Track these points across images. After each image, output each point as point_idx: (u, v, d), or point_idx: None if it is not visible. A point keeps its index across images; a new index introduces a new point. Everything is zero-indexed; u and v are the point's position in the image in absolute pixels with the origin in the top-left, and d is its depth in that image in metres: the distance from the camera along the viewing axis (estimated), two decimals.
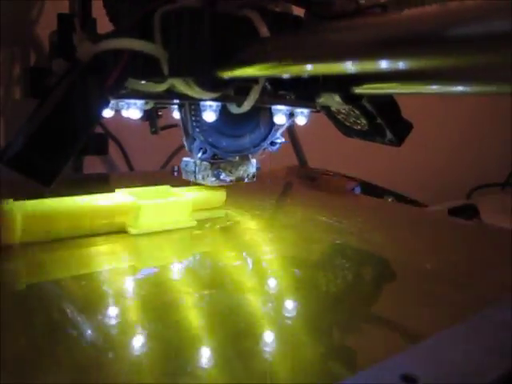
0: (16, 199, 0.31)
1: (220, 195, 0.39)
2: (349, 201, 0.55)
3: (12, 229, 0.29)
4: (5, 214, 0.29)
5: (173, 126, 0.58)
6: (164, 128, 0.47)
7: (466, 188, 1.14)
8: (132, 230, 0.33)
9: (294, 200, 0.54)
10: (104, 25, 0.37)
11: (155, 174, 0.64)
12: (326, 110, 0.41)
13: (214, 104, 0.31)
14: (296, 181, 0.63)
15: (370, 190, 0.68)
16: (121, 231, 0.33)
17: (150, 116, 0.42)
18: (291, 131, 0.79)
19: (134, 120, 0.35)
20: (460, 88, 0.29)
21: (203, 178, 0.37)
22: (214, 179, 0.36)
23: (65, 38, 0.41)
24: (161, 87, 0.28)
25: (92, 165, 0.66)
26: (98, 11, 0.43)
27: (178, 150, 0.73)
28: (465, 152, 1.20)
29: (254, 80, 0.29)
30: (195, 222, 0.36)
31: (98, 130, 0.65)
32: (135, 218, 0.33)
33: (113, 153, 0.69)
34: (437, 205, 0.85)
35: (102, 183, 0.55)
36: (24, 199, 0.31)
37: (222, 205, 0.40)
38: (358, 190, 0.62)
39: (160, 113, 0.43)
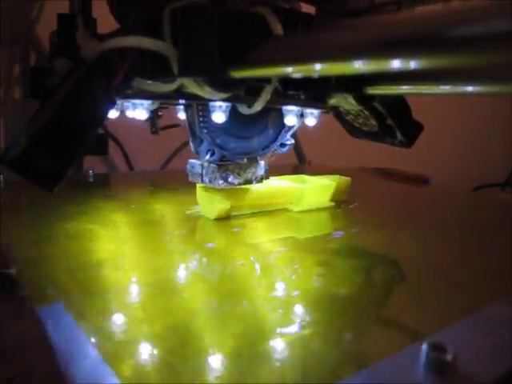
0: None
1: (348, 182, 0.48)
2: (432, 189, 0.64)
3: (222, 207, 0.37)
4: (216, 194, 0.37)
5: (173, 126, 0.58)
6: (164, 128, 0.47)
7: (465, 188, 1.15)
8: (294, 208, 0.42)
9: (395, 190, 0.62)
10: (104, 25, 0.36)
11: (160, 174, 0.65)
12: (335, 110, 0.40)
13: (224, 104, 0.30)
14: (374, 178, 0.69)
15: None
16: (283, 209, 0.42)
17: (150, 116, 0.41)
18: None
19: (134, 120, 0.34)
20: (475, 88, 0.28)
21: (210, 181, 0.36)
22: (221, 182, 0.35)
23: (67, 36, 0.40)
24: (169, 87, 0.27)
25: (92, 165, 0.66)
26: (98, 11, 0.42)
27: (178, 150, 0.73)
28: (465, 152, 1.20)
29: (266, 80, 0.28)
30: (333, 203, 0.45)
31: (98, 130, 0.64)
32: (298, 199, 0.42)
33: (113, 153, 0.70)
34: None
35: (102, 183, 0.55)
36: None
37: (347, 191, 0.48)
38: (431, 182, 0.67)
39: (160, 113, 0.42)
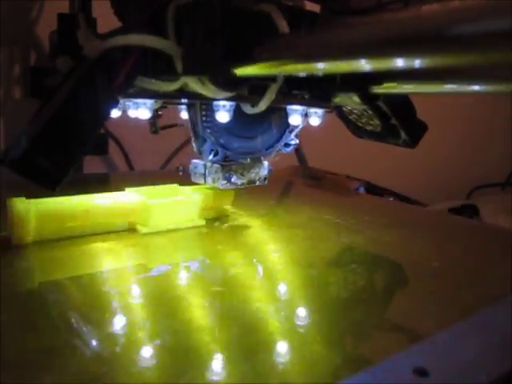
0: (27, 197, 0.30)
1: (228, 194, 0.39)
2: (355, 200, 0.56)
3: (24, 228, 0.29)
4: (17, 213, 0.29)
5: (173, 125, 0.58)
6: (164, 128, 0.47)
7: (466, 188, 1.15)
8: (142, 229, 0.33)
9: (300, 199, 0.53)
10: (104, 25, 0.36)
11: (161, 174, 0.64)
12: (338, 110, 0.39)
13: (228, 104, 0.30)
14: (299, 181, 0.63)
15: (373, 190, 0.68)
16: (131, 229, 0.34)
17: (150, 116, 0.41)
18: None
19: (134, 119, 0.34)
20: (480, 87, 0.28)
21: (213, 181, 0.35)
22: (225, 182, 0.35)
23: (68, 36, 0.40)
24: (173, 86, 0.27)
25: (92, 165, 0.66)
26: (98, 11, 0.42)
27: (178, 150, 0.72)
28: (465, 152, 1.20)
29: (271, 78, 0.27)
30: (203, 221, 0.36)
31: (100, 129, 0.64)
32: (145, 217, 0.33)
33: (113, 153, 0.69)
34: (437, 205, 0.85)
35: (102, 183, 0.54)
36: (34, 197, 0.31)
37: (230, 203, 0.40)
38: (361, 190, 0.63)
39: (160, 112, 0.42)
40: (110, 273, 0.27)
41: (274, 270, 0.29)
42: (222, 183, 0.35)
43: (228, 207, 0.40)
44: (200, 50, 0.25)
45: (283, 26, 0.25)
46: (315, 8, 0.32)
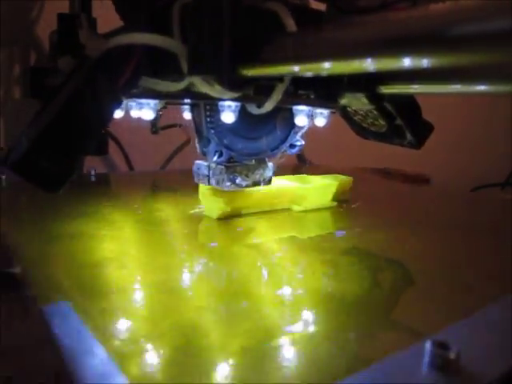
0: None
1: (349, 181, 0.47)
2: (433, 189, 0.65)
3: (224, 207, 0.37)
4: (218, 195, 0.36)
5: (173, 125, 0.57)
6: (164, 128, 0.46)
7: (465, 188, 1.14)
8: (297, 208, 0.42)
9: (396, 190, 0.62)
10: (104, 25, 0.35)
11: (160, 174, 0.64)
12: (343, 110, 0.39)
13: (234, 104, 0.29)
14: (374, 178, 0.70)
15: None
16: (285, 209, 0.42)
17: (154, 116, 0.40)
18: None
19: (134, 120, 0.34)
20: (486, 87, 0.28)
21: (218, 183, 0.35)
22: (229, 183, 0.34)
23: (70, 35, 0.39)
24: (178, 86, 0.26)
25: (92, 165, 0.66)
26: (99, 11, 0.42)
27: (178, 150, 0.72)
28: (465, 152, 1.20)
29: (278, 78, 0.27)
30: (335, 203, 0.44)
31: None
32: (300, 199, 0.42)
33: (113, 153, 0.69)
34: None
35: (102, 183, 0.54)
36: None
37: (348, 190, 0.48)
38: (431, 182, 0.68)
39: (160, 112, 0.42)
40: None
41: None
42: (226, 184, 0.34)
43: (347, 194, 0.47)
44: (206, 49, 0.24)
45: (291, 24, 0.24)
46: (320, 6, 0.31)
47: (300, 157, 0.82)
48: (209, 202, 0.38)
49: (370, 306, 0.23)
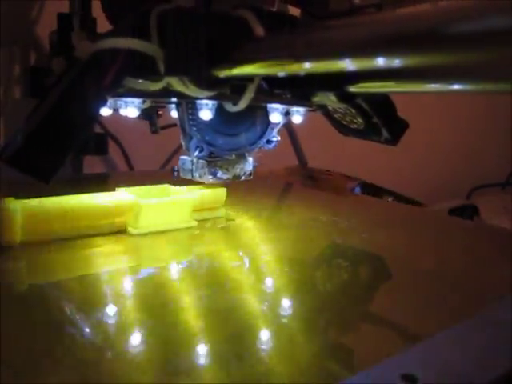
0: (17, 197, 0.31)
1: (220, 194, 0.39)
2: (349, 201, 0.56)
3: (12, 228, 0.29)
4: (5, 213, 0.29)
5: (172, 125, 0.58)
6: (164, 128, 0.47)
7: (466, 188, 1.14)
8: (132, 230, 0.33)
9: (295, 200, 0.54)
10: (104, 25, 0.37)
11: (155, 174, 0.64)
12: (323, 109, 0.41)
13: (210, 102, 0.32)
14: (297, 180, 0.64)
15: (369, 190, 0.69)
16: (121, 231, 0.33)
17: (150, 115, 0.42)
18: (291, 131, 0.80)
19: (134, 119, 0.36)
20: (455, 86, 0.29)
21: (200, 176, 0.37)
22: (210, 177, 0.37)
23: (64, 36, 0.41)
24: (157, 86, 0.29)
25: (92, 165, 0.66)
26: (98, 11, 0.43)
27: (178, 150, 0.73)
28: (465, 152, 1.20)
29: (249, 79, 0.29)
30: (195, 222, 0.36)
31: (98, 129, 0.65)
32: (135, 218, 0.33)
33: (113, 153, 0.69)
34: (437, 205, 0.85)
35: (101, 183, 0.55)
36: (24, 198, 0.31)
37: (222, 204, 0.40)
38: (357, 190, 0.63)
39: (160, 112, 0.43)
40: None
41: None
42: (207, 178, 0.37)
43: (221, 209, 0.39)
44: (182, 52, 0.27)
45: (259, 30, 0.26)
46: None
47: (300, 158, 0.83)
48: None
49: None
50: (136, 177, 0.62)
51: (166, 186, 0.38)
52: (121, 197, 0.34)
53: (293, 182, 0.64)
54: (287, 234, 0.38)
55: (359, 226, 0.41)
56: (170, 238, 0.34)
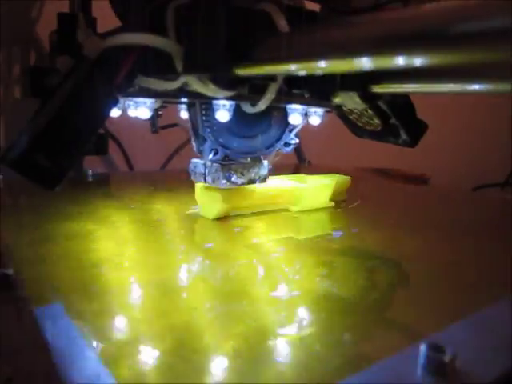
0: None
1: (347, 181, 0.47)
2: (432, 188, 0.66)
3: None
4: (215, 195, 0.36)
5: (173, 125, 0.58)
6: (164, 128, 0.46)
7: (465, 188, 1.14)
8: (294, 208, 0.42)
9: (395, 190, 0.62)
10: (104, 25, 0.36)
11: (160, 174, 0.65)
12: (338, 109, 0.39)
13: (228, 103, 0.30)
14: (373, 178, 0.70)
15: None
16: (282, 209, 0.42)
17: (150, 115, 0.41)
18: None
19: (134, 119, 0.34)
20: (480, 86, 0.28)
21: (213, 181, 0.35)
22: (224, 181, 0.35)
23: (68, 35, 0.40)
24: (173, 85, 0.27)
25: (92, 165, 0.66)
26: (99, 11, 0.42)
27: (178, 150, 0.72)
28: (465, 152, 1.20)
29: (271, 78, 0.27)
30: (333, 203, 0.44)
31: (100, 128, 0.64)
32: (298, 199, 0.42)
33: (113, 153, 0.70)
34: None
35: (102, 183, 0.54)
36: None
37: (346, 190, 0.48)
38: (430, 182, 0.68)
39: (160, 112, 0.42)
40: None
41: None
42: (222, 182, 0.35)
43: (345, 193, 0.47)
44: (201, 48, 0.25)
45: (283, 25, 0.25)
46: (315, 7, 0.32)
47: (299, 156, 0.83)
48: (205, 201, 0.38)
49: (366, 307, 0.24)
50: (141, 177, 0.60)
51: (301, 175, 0.45)
52: (285, 183, 0.42)
53: (370, 178, 0.69)
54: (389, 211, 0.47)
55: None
56: (323, 214, 0.43)
